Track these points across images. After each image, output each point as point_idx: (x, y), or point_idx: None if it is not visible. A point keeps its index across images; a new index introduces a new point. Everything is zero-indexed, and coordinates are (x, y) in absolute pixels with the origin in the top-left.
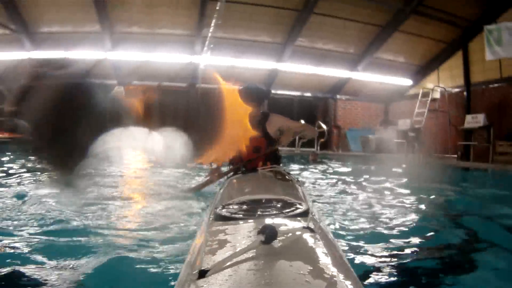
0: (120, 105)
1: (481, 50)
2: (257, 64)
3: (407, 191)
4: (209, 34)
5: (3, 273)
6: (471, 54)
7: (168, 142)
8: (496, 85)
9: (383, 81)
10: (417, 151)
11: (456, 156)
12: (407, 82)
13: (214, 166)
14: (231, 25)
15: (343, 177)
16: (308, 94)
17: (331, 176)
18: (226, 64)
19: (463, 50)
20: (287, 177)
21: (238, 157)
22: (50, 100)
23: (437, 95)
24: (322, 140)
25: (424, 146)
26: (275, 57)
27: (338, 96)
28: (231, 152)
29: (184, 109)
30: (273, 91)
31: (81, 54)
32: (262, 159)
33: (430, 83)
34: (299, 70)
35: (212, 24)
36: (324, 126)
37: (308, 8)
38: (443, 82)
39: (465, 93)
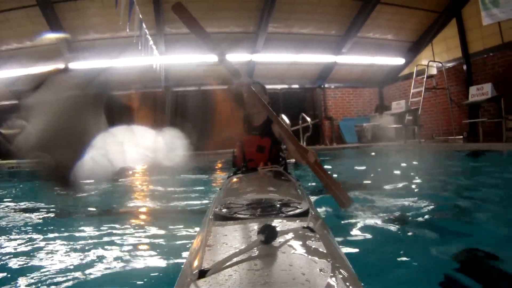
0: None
1: (476, 15)
2: (230, 58)
3: (408, 185)
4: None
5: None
6: (466, 21)
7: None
8: (497, 52)
9: (373, 62)
10: (417, 136)
11: (462, 137)
12: (399, 61)
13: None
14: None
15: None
16: (293, 86)
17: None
18: (196, 61)
19: (457, 18)
20: (287, 177)
21: (241, 156)
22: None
23: (433, 71)
24: (307, 134)
25: (424, 129)
26: (249, 48)
27: (326, 85)
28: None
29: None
30: None
31: (42, 69)
32: (265, 159)
33: (424, 59)
34: (278, 60)
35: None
36: (308, 119)
37: None
38: (439, 56)
39: (464, 65)
